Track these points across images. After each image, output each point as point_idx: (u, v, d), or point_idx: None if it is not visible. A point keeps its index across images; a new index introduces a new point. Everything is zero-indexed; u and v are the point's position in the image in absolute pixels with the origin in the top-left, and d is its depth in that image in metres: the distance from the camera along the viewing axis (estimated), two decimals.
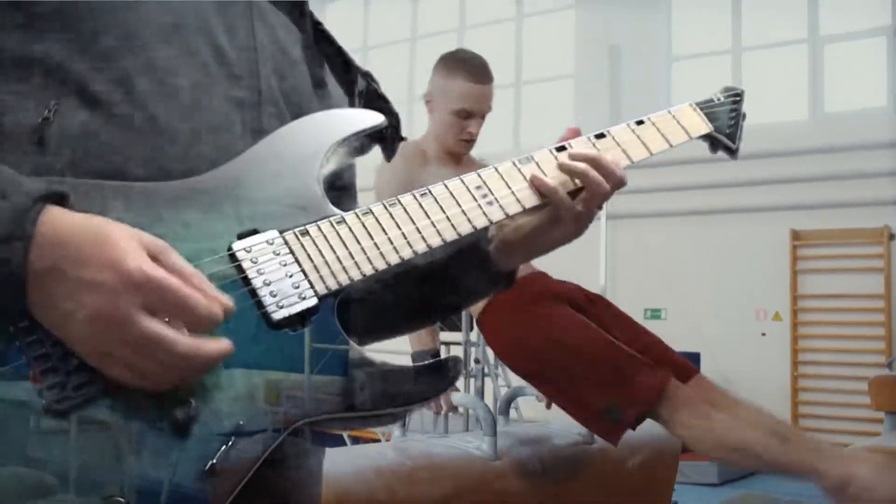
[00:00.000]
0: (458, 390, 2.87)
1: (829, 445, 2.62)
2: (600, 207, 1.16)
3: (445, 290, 1.21)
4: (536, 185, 1.12)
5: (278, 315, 0.92)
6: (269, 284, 0.93)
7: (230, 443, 0.86)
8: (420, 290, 1.19)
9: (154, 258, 0.81)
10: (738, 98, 1.31)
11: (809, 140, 8.57)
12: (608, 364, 2.54)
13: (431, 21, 11.27)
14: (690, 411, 2.50)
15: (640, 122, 1.22)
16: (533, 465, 2.38)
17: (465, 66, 3.01)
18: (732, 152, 1.31)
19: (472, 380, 6.75)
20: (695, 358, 8.36)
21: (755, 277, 8.81)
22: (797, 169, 8.55)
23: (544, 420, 3.40)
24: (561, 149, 1.16)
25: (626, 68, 9.64)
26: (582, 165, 1.12)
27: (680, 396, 2.52)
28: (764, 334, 8.86)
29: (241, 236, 0.94)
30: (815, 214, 8.60)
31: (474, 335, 5.44)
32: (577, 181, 1.13)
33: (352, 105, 1.21)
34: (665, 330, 9.54)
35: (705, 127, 1.27)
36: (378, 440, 5.44)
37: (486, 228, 1.10)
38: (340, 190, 1.16)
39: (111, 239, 0.80)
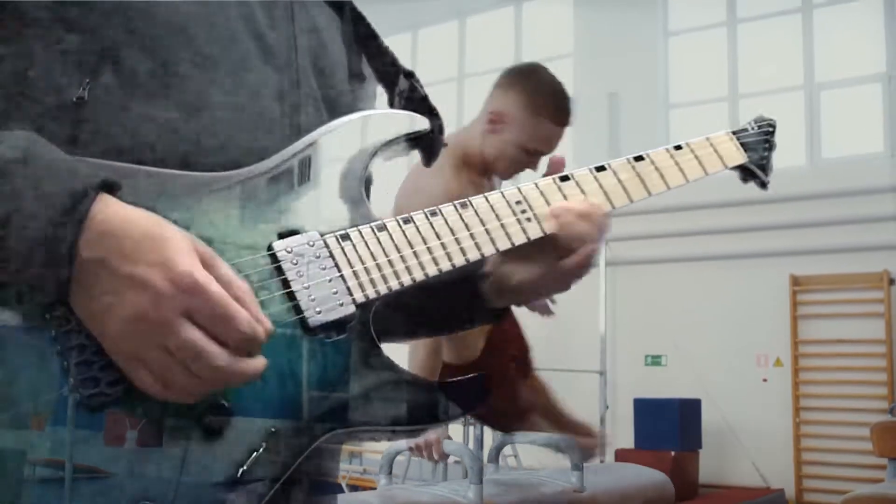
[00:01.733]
0: (450, 438, 2.86)
1: None
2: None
3: (434, 311, 1.19)
4: (562, 227, 1.07)
5: (315, 321, 0.89)
6: (308, 288, 0.90)
7: (261, 449, 0.84)
8: (410, 307, 1.16)
9: (204, 262, 0.79)
10: (771, 128, 1.30)
11: (808, 185, 8.59)
12: None
13: (428, 70, 11.38)
14: None
15: (678, 148, 1.20)
16: None
17: (554, 107, 2.79)
18: (764, 185, 1.30)
19: (471, 427, 6.72)
20: (696, 404, 8.34)
21: (756, 323, 8.79)
22: (796, 214, 8.57)
23: (540, 467, 3.37)
24: (601, 168, 1.14)
25: (623, 115, 9.71)
26: (585, 227, 1.08)
27: None
28: (765, 380, 8.82)
29: (281, 235, 0.91)
30: (814, 260, 8.60)
31: None
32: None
33: (391, 104, 1.16)
34: (666, 376, 9.58)
35: (741, 157, 1.26)
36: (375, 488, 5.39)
37: (482, 262, 1.08)
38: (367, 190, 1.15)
39: (165, 238, 0.78)
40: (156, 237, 0.78)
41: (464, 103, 11.25)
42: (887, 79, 8.65)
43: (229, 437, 0.83)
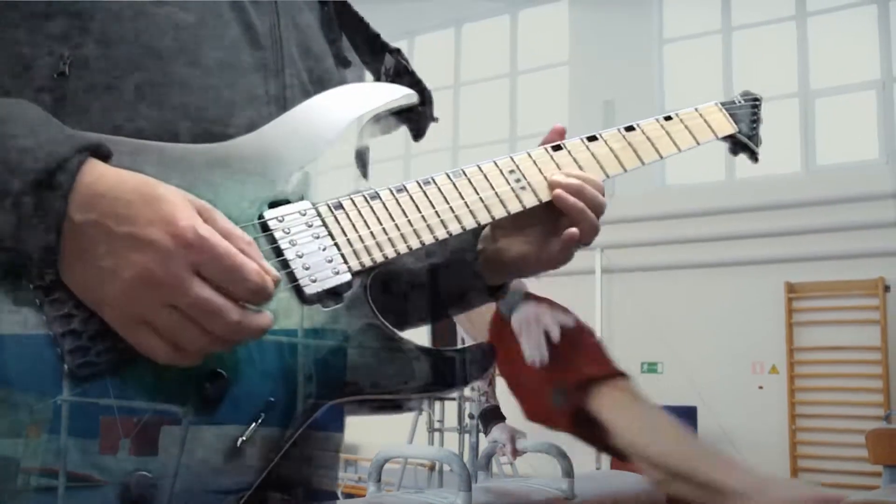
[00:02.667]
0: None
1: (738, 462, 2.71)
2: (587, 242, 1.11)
3: (434, 292, 1.18)
4: (556, 199, 1.07)
5: (311, 289, 0.87)
6: (301, 257, 0.88)
7: (259, 420, 0.82)
8: (408, 292, 1.16)
9: (203, 216, 0.77)
10: (757, 102, 1.31)
11: (803, 193, 8.60)
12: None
13: (425, 78, 11.37)
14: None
15: (668, 118, 1.20)
16: None
17: None
18: (755, 155, 1.31)
19: (466, 435, 6.70)
20: (692, 412, 8.32)
21: (751, 330, 8.79)
22: (791, 221, 8.57)
23: (536, 475, 3.36)
24: (592, 139, 1.14)
25: (619, 122, 9.58)
26: (578, 204, 1.07)
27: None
28: (761, 387, 8.81)
29: (272, 205, 0.90)
30: (809, 267, 8.60)
31: (468, 390, 5.41)
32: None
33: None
34: (661, 384, 9.56)
35: (731, 127, 1.26)
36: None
37: (475, 239, 1.08)
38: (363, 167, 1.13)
39: (161, 196, 0.76)
40: (150, 194, 0.76)
41: (460, 110, 11.27)
42: (881, 86, 8.67)
43: (227, 408, 0.81)
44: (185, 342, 0.76)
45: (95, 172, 0.77)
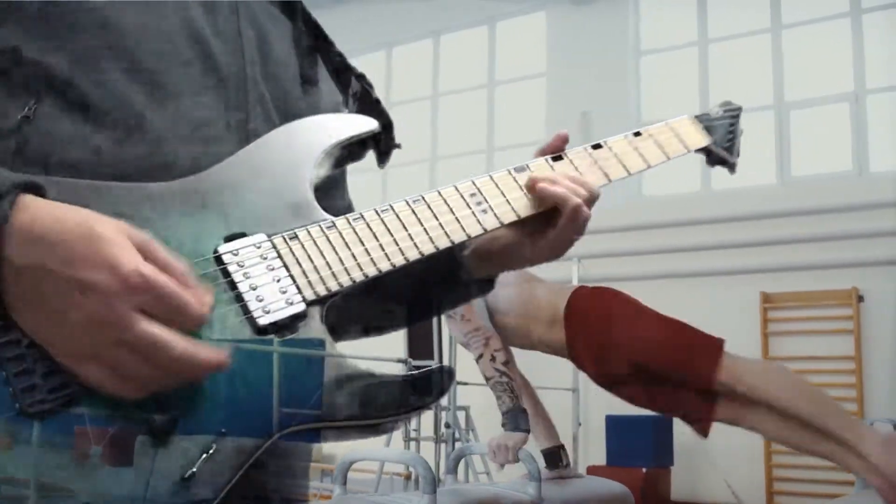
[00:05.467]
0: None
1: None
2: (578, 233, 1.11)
3: (419, 291, 1.17)
4: (539, 192, 1.08)
5: (264, 320, 0.88)
6: (255, 289, 0.89)
7: (211, 451, 0.82)
8: (395, 291, 1.15)
9: (142, 252, 0.78)
10: (736, 113, 1.31)
11: (778, 203, 8.66)
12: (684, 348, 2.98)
13: (402, 88, 11.41)
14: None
15: (637, 134, 1.21)
16: None
17: None
18: (730, 166, 1.30)
19: (442, 445, 6.69)
20: (668, 421, 8.35)
21: (727, 340, 8.81)
22: (766, 232, 8.63)
23: (506, 479, 3.37)
24: (557, 158, 1.15)
25: (596, 134, 9.71)
26: (561, 190, 1.08)
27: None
28: None
29: (228, 239, 0.91)
30: (784, 277, 8.65)
31: (445, 400, 5.41)
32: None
33: (346, 106, 1.18)
34: None
35: (703, 139, 1.27)
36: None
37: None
38: (334, 196, 1.14)
39: (101, 236, 0.76)
40: (91, 236, 0.76)
41: (438, 121, 11.29)
42: (854, 98, 8.75)
43: (177, 441, 0.81)
44: (132, 376, 0.77)
45: (30, 211, 0.77)
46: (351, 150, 1.07)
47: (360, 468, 6.35)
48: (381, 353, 4.56)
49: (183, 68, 0.98)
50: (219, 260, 0.89)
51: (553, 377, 8.82)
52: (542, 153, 1.16)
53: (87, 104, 0.91)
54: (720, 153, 1.28)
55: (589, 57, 10.06)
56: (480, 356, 3.02)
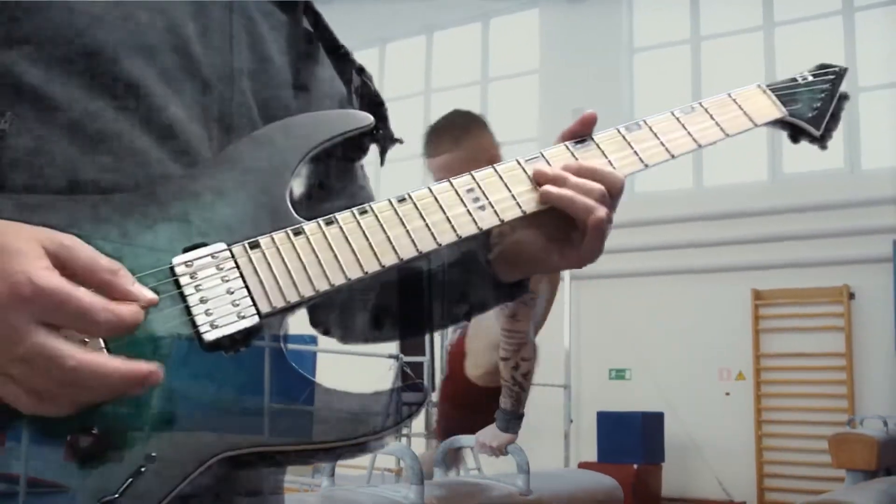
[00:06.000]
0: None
1: None
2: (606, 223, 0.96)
3: (447, 297, 1.08)
4: (543, 197, 0.95)
5: (211, 336, 0.81)
6: (205, 302, 0.83)
7: (137, 474, 0.76)
8: (421, 295, 1.06)
9: (57, 258, 0.72)
10: (831, 76, 1.14)
11: (770, 201, 8.69)
12: None
13: (396, 84, 11.40)
14: None
15: (688, 110, 1.05)
16: None
17: (424, 143, 2.93)
18: (818, 139, 1.12)
19: (434, 440, 6.72)
20: (659, 417, 8.38)
21: (718, 337, 8.85)
22: (758, 229, 8.66)
23: (495, 472, 3.37)
24: (580, 142, 1.01)
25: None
26: (567, 193, 0.94)
27: None
28: (728, 394, 8.88)
29: (187, 250, 0.85)
30: (776, 274, 8.68)
31: (436, 396, 5.42)
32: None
33: (350, 101, 1.10)
34: (629, 390, 9.59)
35: (775, 111, 1.09)
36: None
37: (478, 237, 0.95)
38: (341, 197, 1.07)
39: (3, 246, 0.71)
40: None
41: (431, 118, 11.27)
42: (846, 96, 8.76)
43: (100, 463, 0.76)
44: (42, 393, 0.72)
45: None
46: (347, 147, 0.98)
47: (352, 464, 6.35)
48: (372, 350, 4.56)
49: (162, 76, 0.92)
50: (173, 271, 0.83)
51: (544, 374, 8.83)
52: (564, 138, 1.01)
53: (63, 116, 0.87)
54: (801, 125, 1.10)
55: (582, 54, 10.08)
56: (506, 359, 2.98)
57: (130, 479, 0.76)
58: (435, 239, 0.92)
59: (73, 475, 0.75)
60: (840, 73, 1.14)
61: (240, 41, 1.00)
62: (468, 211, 0.94)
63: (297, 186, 0.94)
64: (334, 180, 1.07)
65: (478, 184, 0.95)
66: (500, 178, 0.97)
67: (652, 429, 8.26)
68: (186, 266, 0.84)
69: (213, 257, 0.85)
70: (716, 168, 9.18)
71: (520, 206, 0.95)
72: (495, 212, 0.94)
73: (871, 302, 8.31)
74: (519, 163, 0.98)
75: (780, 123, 1.11)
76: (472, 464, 7.22)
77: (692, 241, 8.87)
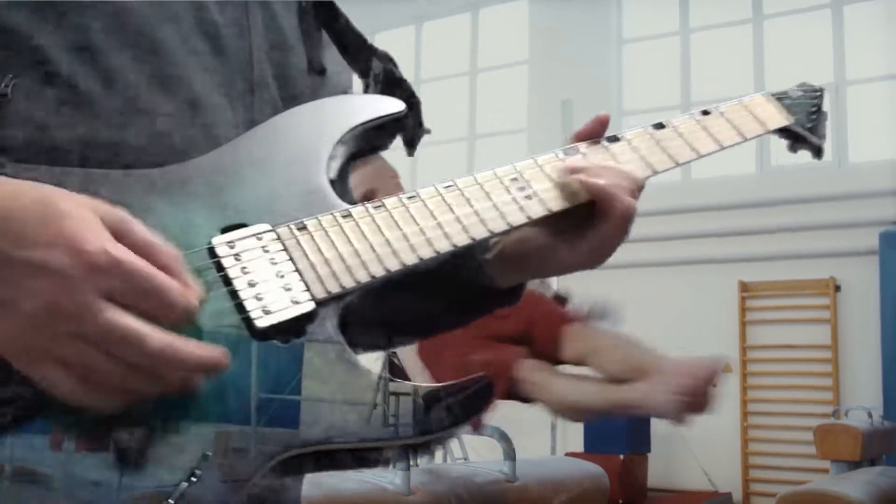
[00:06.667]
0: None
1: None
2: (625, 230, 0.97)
3: (433, 300, 1.03)
4: (581, 182, 0.94)
5: (263, 322, 0.75)
6: (253, 286, 0.76)
7: (192, 479, 0.70)
8: (405, 300, 0.98)
9: (116, 232, 0.67)
10: (818, 94, 1.19)
11: (756, 193, 8.71)
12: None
13: None
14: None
15: (706, 113, 1.08)
16: (448, 500, 2.36)
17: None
18: (815, 148, 1.18)
19: None
20: None
21: (705, 328, 8.87)
22: (745, 221, 8.68)
23: (482, 460, 3.38)
24: (613, 139, 1.02)
25: (577, 122, 9.65)
26: (602, 182, 0.94)
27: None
28: (714, 385, 8.89)
29: (225, 230, 0.79)
30: (762, 266, 8.70)
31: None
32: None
33: (366, 90, 1.05)
34: None
35: (783, 119, 1.14)
36: None
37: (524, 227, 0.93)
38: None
39: (64, 212, 0.65)
40: (50, 211, 0.65)
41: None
42: (834, 89, 8.80)
43: (151, 465, 0.70)
44: (97, 378, 0.65)
45: None
46: (374, 135, 0.95)
47: None
48: None
49: (188, 50, 0.87)
50: (213, 252, 0.77)
51: None
52: (579, 138, 1.02)
53: (73, 82, 0.80)
54: (803, 133, 1.16)
55: (571, 45, 10.07)
56: None
57: (184, 484, 0.70)
58: (485, 225, 0.89)
59: (120, 479, 0.69)
60: (821, 93, 1.20)
61: (255, 21, 0.96)
62: (514, 199, 0.92)
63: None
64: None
65: (520, 173, 0.95)
66: (541, 168, 0.96)
67: (638, 419, 8.27)
68: (228, 247, 0.78)
69: (257, 238, 0.79)
70: (704, 160, 9.12)
71: (562, 199, 0.94)
72: (541, 200, 0.93)
73: (858, 294, 8.34)
74: (557, 155, 0.98)
75: (783, 132, 1.16)
76: (458, 453, 7.23)
77: (680, 233, 8.88)
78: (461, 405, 0.81)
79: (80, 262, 0.64)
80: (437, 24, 11.39)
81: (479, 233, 0.89)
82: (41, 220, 0.65)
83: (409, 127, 0.99)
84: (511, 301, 1.06)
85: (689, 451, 8.64)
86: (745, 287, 8.83)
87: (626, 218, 0.95)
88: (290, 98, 0.96)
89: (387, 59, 1.07)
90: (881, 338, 8.04)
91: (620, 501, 7.34)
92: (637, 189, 0.97)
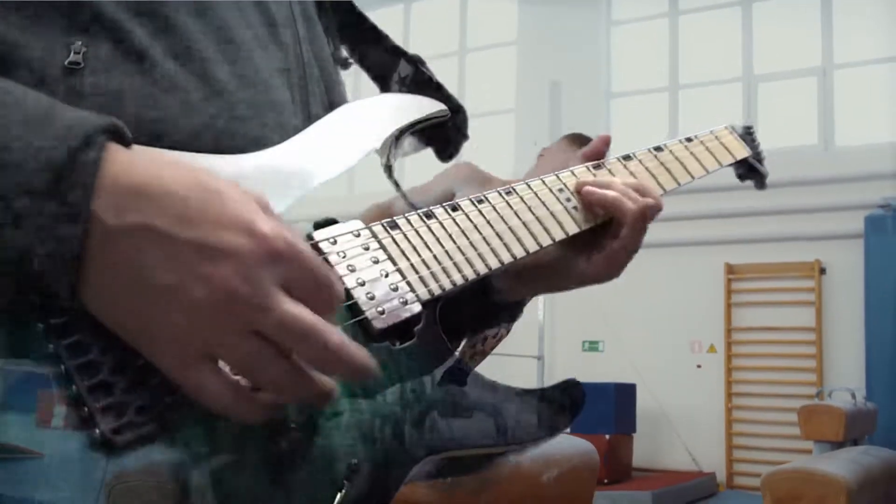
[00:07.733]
0: None
1: None
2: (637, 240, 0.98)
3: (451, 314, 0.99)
4: (586, 196, 0.95)
5: (380, 323, 0.72)
6: (363, 285, 0.73)
7: (344, 489, 0.66)
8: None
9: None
10: (751, 130, 1.27)
11: None
12: None
13: None
14: None
15: (689, 139, 1.13)
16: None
17: None
18: (760, 179, 1.29)
19: None
20: (631, 389, 8.46)
21: (691, 310, 8.93)
22: (731, 204, 8.69)
23: None
24: (627, 158, 1.05)
25: (566, 104, 9.77)
26: (613, 194, 0.95)
27: None
28: (699, 366, 8.96)
29: (317, 225, 0.76)
30: (748, 249, 8.75)
31: None
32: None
33: (386, 91, 1.01)
34: (603, 362, 9.62)
35: (744, 150, 1.21)
36: None
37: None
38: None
39: (221, 190, 0.58)
40: (206, 188, 0.58)
41: None
42: (822, 72, 8.83)
43: (303, 473, 0.65)
44: (267, 379, 0.59)
45: (122, 158, 0.57)
46: (413, 138, 0.92)
47: None
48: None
49: (249, 29, 0.83)
50: (314, 248, 0.73)
51: (518, 345, 8.88)
52: (585, 158, 1.04)
53: (146, 54, 0.73)
54: (756, 165, 1.26)
55: (560, 26, 10.06)
56: None
57: (339, 494, 0.66)
58: (548, 233, 0.91)
59: (273, 489, 0.64)
60: (753, 129, 1.27)
61: (297, 14, 0.93)
62: (565, 209, 0.94)
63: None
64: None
65: (564, 185, 0.96)
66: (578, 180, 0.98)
67: (624, 400, 8.33)
68: (331, 243, 0.74)
69: (355, 235, 0.76)
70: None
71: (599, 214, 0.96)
72: (584, 213, 0.95)
73: (842, 277, 8.40)
74: (588, 168, 1.00)
75: (740, 163, 1.23)
76: None
77: (666, 216, 8.61)
78: (567, 407, 0.83)
79: (258, 247, 0.57)
80: (426, 4, 11.35)
81: (545, 240, 0.90)
82: (201, 197, 0.57)
83: (450, 132, 0.97)
84: (514, 316, 1.04)
85: (674, 431, 8.71)
86: (730, 269, 8.88)
87: (641, 225, 0.97)
88: (329, 87, 0.95)
89: (419, 62, 1.01)
90: (865, 320, 8.12)
91: (605, 480, 7.38)
92: (650, 197, 1.00)
